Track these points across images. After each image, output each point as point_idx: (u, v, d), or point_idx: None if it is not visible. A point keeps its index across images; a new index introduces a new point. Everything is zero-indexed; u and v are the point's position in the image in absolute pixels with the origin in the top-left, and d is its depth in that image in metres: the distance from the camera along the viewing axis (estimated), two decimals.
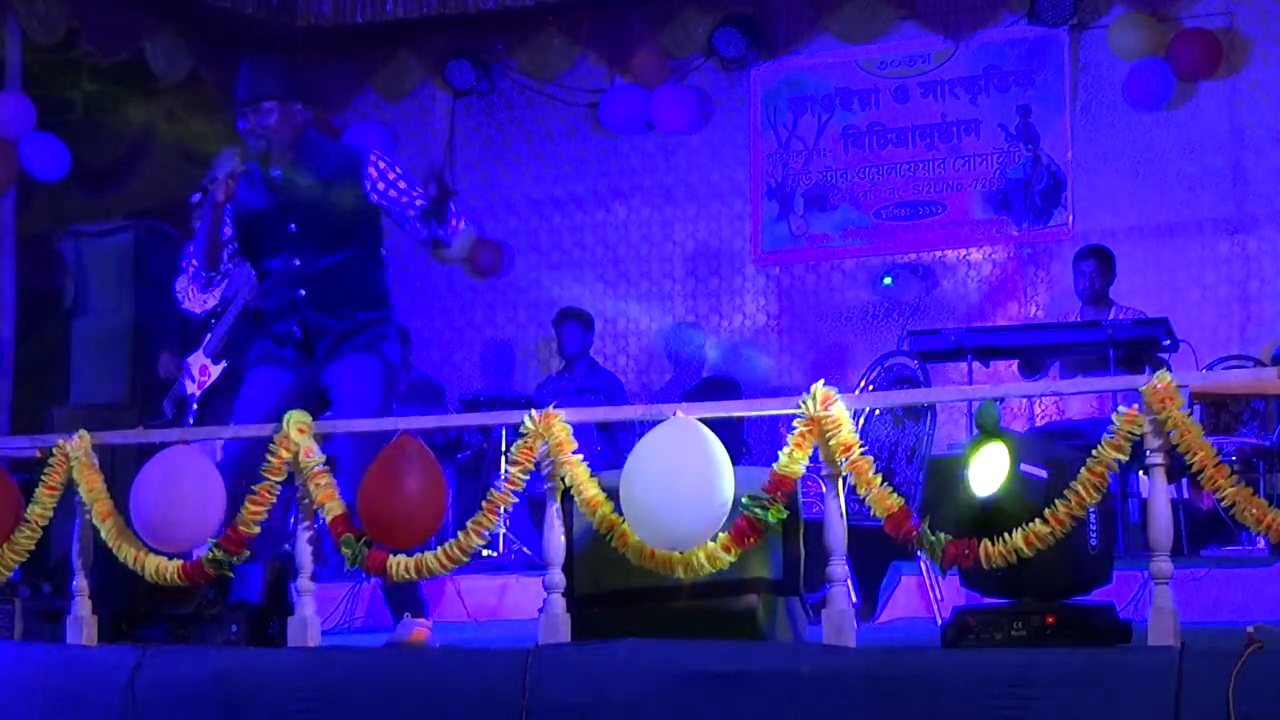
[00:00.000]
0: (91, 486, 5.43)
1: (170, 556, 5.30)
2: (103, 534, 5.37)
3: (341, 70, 11.91)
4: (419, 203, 5.88)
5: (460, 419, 9.24)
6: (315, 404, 5.97)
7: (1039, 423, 9.33)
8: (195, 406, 8.27)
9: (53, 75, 11.43)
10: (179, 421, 8.31)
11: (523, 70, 11.58)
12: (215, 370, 8.26)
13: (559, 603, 4.82)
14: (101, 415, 9.98)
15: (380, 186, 5.92)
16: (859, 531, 4.89)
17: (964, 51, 10.46)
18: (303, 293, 5.87)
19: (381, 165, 5.97)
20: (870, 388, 7.44)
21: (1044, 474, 4.39)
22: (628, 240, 11.32)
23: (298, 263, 5.89)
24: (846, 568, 4.66)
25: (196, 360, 8.29)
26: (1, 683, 5.34)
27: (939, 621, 5.56)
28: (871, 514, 4.61)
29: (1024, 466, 4.41)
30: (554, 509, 4.87)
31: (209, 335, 8.29)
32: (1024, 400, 8.96)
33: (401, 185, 5.96)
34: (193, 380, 8.25)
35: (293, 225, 5.90)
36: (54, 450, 5.52)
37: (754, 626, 4.81)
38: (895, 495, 4.59)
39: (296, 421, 5.20)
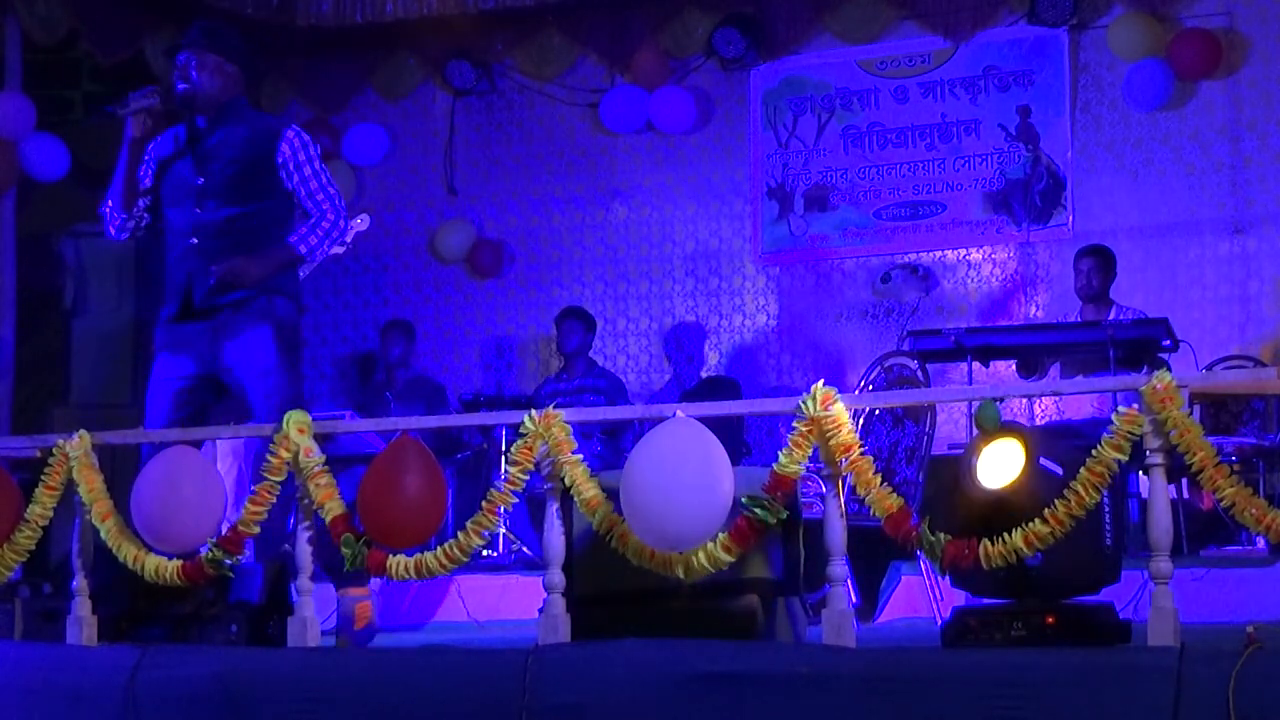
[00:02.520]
0: (91, 486, 5.43)
1: (170, 556, 5.30)
2: (103, 534, 5.37)
3: (341, 70, 11.92)
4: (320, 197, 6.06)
5: (460, 419, 9.24)
6: (213, 392, 6.03)
7: (1038, 423, 9.33)
8: None
9: (53, 75, 11.43)
10: None
11: (523, 70, 11.58)
12: None
13: (559, 603, 4.82)
14: (101, 415, 9.98)
15: (291, 167, 6.04)
16: (859, 531, 4.90)
17: (964, 52, 10.46)
18: (195, 241, 5.99)
19: (297, 143, 6.07)
20: (870, 388, 7.45)
21: (1060, 470, 4.39)
22: (628, 240, 11.32)
23: (199, 211, 5.99)
24: (846, 568, 4.66)
25: None
26: (1, 682, 5.34)
27: (939, 621, 5.56)
28: (871, 514, 4.61)
29: (1043, 460, 4.41)
30: (554, 509, 4.87)
31: None
32: (1023, 400, 8.95)
33: (310, 170, 6.07)
34: None
35: (201, 179, 6.01)
36: (54, 450, 5.52)
37: (754, 627, 4.82)
38: (895, 495, 4.59)
39: (296, 421, 5.20)
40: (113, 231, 6.22)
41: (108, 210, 6.20)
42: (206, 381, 5.98)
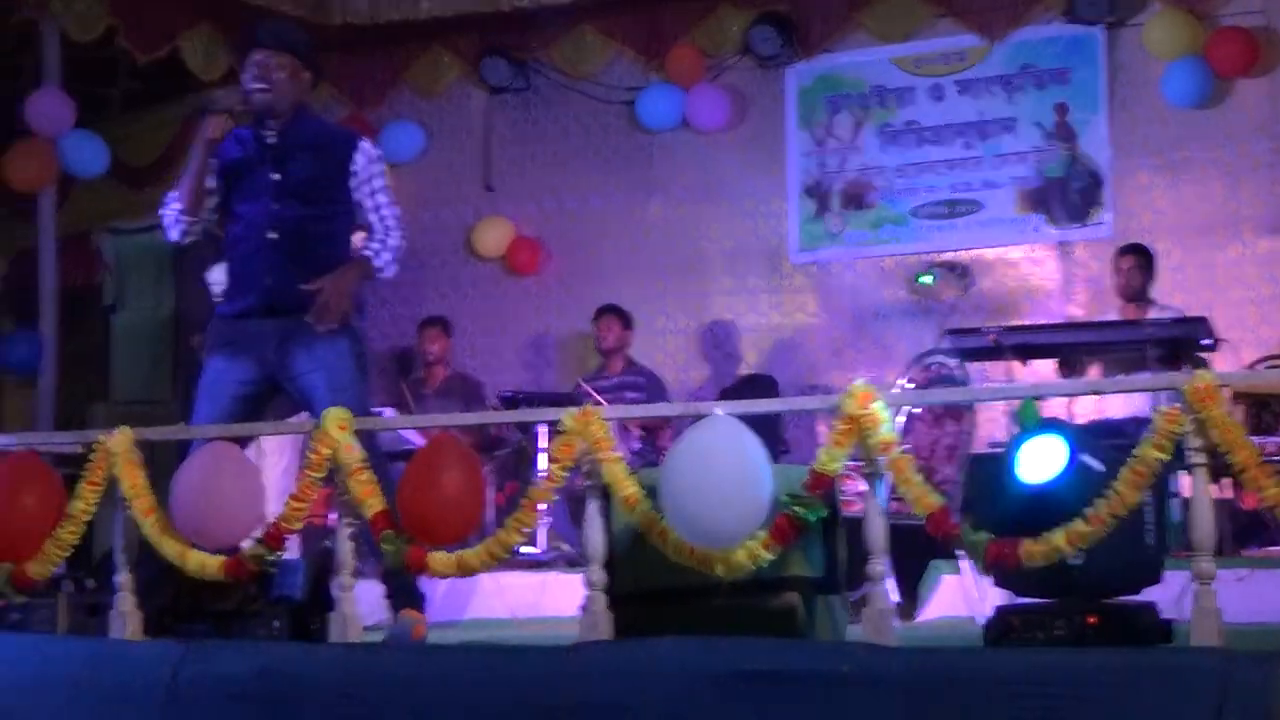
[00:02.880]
0: (133, 482, 5.45)
1: (212, 552, 5.32)
2: (145, 530, 5.39)
3: (377, 67, 11.97)
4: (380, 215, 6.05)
5: (499, 416, 9.26)
6: (270, 396, 6.03)
7: (1077, 423, 9.29)
8: None
9: (91, 73, 11.49)
10: None
11: (559, 67, 11.60)
12: None
13: (599, 600, 4.83)
14: (142, 411, 10.04)
15: (363, 177, 6.03)
16: (899, 529, 4.89)
17: (1000, 49, 10.44)
18: (275, 236, 5.94)
19: (372, 155, 6.09)
20: (909, 386, 7.42)
21: (1103, 466, 4.38)
22: (665, 237, 11.32)
23: (277, 207, 5.95)
24: (887, 566, 4.66)
25: None
26: (46, 677, 5.37)
27: (980, 621, 5.54)
28: (912, 512, 4.61)
29: (1085, 456, 4.40)
30: (594, 506, 4.88)
31: None
32: (1063, 399, 8.91)
33: (379, 184, 6.07)
34: None
35: (278, 175, 5.97)
36: (96, 446, 5.54)
37: (794, 625, 4.81)
38: (935, 494, 4.59)
39: (336, 418, 5.22)
40: (175, 234, 6.11)
41: (172, 212, 6.07)
42: (266, 385, 5.95)
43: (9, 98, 11.30)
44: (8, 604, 5.72)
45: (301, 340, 5.83)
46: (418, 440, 7.79)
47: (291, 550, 7.45)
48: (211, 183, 6.05)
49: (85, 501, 5.53)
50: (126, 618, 5.43)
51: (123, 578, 5.48)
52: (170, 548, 5.33)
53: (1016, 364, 8.28)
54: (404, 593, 5.66)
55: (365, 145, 6.09)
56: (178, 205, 6.02)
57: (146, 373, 10.41)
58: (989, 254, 10.40)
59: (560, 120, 11.71)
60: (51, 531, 5.52)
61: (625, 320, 10.38)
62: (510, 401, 9.88)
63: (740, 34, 11.00)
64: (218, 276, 8.57)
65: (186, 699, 5.01)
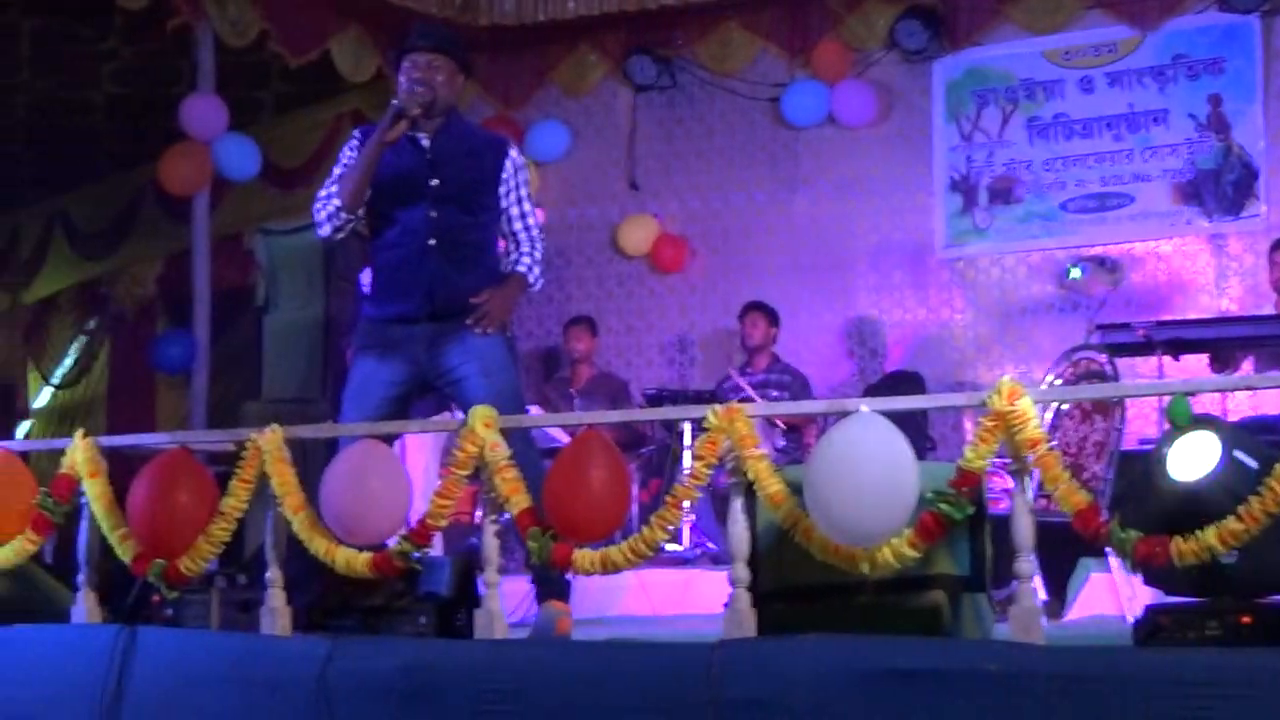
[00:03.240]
0: (284, 480, 5.51)
1: (360, 549, 5.38)
2: (295, 527, 5.46)
3: (524, 68, 12.04)
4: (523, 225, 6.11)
5: (644, 414, 9.29)
6: (419, 395, 6.08)
7: (1230, 419, 9.13)
8: None
9: (244, 77, 11.68)
10: None
11: (704, 65, 11.61)
12: None
13: (744, 598, 4.82)
14: (293, 409, 10.18)
15: (512, 184, 6.09)
16: (1047, 527, 4.83)
17: (1152, 40, 10.29)
18: (434, 243, 5.97)
19: (520, 162, 6.14)
20: (1057, 382, 7.33)
21: (1256, 463, 4.30)
22: (810, 234, 11.29)
23: (436, 215, 5.97)
24: (1034, 564, 4.61)
25: None
26: (199, 672, 5.45)
27: (1129, 620, 5.47)
28: (1059, 510, 4.56)
29: (1238, 453, 4.32)
30: (738, 504, 4.87)
31: None
32: (1216, 395, 8.76)
33: (525, 193, 6.14)
34: None
35: (436, 181, 5.98)
36: (247, 444, 5.61)
37: (939, 623, 4.77)
38: (1084, 491, 4.54)
39: (483, 416, 5.25)
40: (327, 230, 6.12)
41: (330, 207, 6.08)
42: (415, 386, 6.01)
43: (165, 102, 11.52)
44: (161, 600, 5.81)
45: (454, 337, 5.90)
46: (563, 439, 7.82)
47: (437, 547, 7.52)
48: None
49: (237, 499, 5.60)
50: (277, 614, 5.50)
51: (273, 574, 5.55)
52: (319, 544, 5.39)
53: (1168, 359, 8.14)
54: (549, 583, 5.68)
55: (514, 152, 6.13)
56: (337, 201, 6.04)
57: (297, 372, 10.55)
58: (1139, 247, 10.26)
59: (705, 118, 11.71)
60: (204, 528, 5.59)
61: (771, 317, 10.36)
62: (655, 399, 9.90)
63: (886, 28, 10.95)
64: (366, 279, 8.69)
65: (335, 694, 5.06)
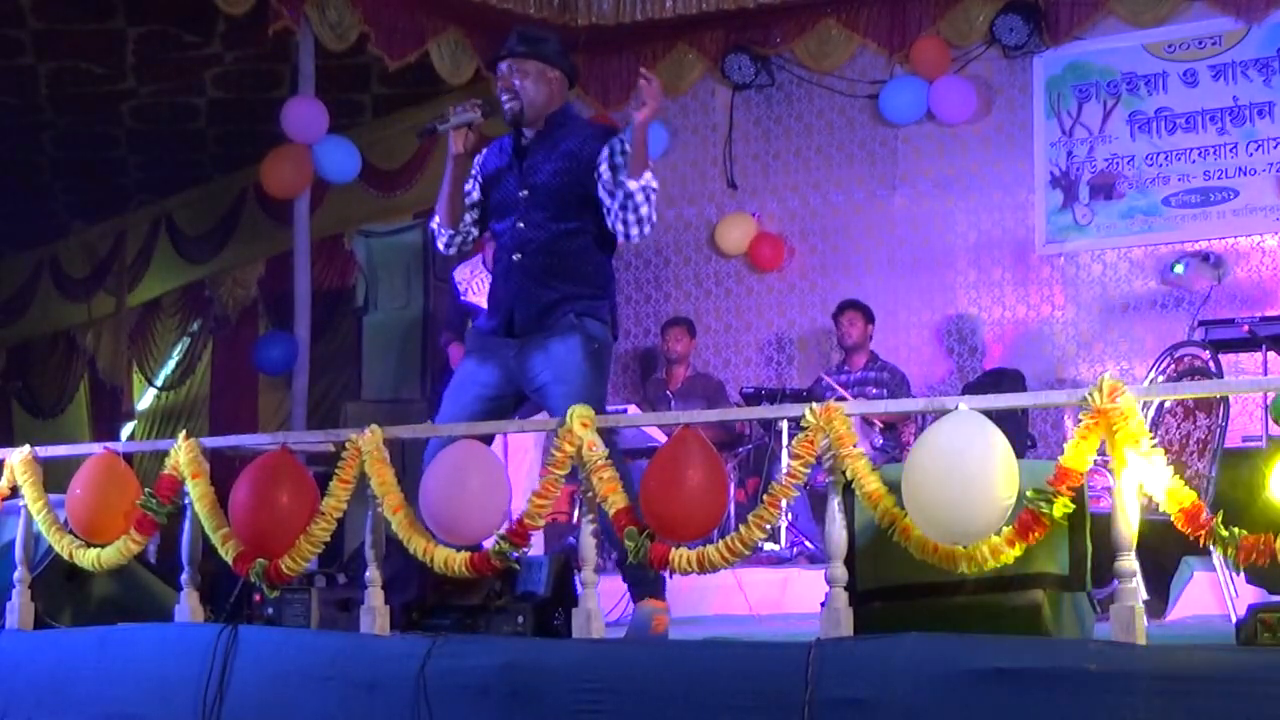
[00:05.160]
0: (383, 479, 5.54)
1: (458, 548, 5.40)
2: (394, 526, 5.48)
3: (622, 67, 12.05)
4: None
5: (741, 413, 9.27)
6: (514, 405, 6.04)
7: None
8: None
9: (343, 79, 11.77)
10: None
11: (802, 63, 11.59)
12: None
13: (841, 597, 4.80)
14: (392, 409, 10.24)
15: (602, 170, 5.86)
16: (1149, 526, 4.77)
17: (1256, 32, 10.17)
18: (518, 257, 5.92)
19: (617, 147, 5.87)
20: (1160, 379, 7.25)
21: None
22: (908, 231, 11.24)
23: (523, 226, 5.92)
24: (1136, 563, 4.56)
25: None
26: (299, 670, 5.49)
27: (1233, 619, 5.40)
28: (1162, 508, 4.51)
29: None
30: (835, 503, 4.85)
31: None
32: None
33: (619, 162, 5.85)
34: None
35: (524, 192, 5.93)
36: (347, 444, 5.64)
37: (1039, 622, 4.73)
38: (1187, 489, 4.48)
39: (580, 415, 5.25)
40: (440, 246, 6.19)
41: (434, 225, 6.16)
42: (508, 393, 5.97)
43: (266, 106, 11.64)
44: (262, 599, 5.86)
45: (538, 347, 5.85)
46: (661, 439, 7.82)
47: (536, 547, 7.55)
48: (474, 195, 6.11)
49: (337, 499, 5.63)
50: (375, 613, 5.52)
51: (372, 574, 5.57)
52: (417, 544, 5.41)
53: (1272, 355, 8.04)
54: (644, 582, 5.68)
55: (615, 141, 5.90)
56: (438, 218, 6.10)
57: (396, 372, 10.61)
58: (1244, 242, 10.13)
59: (803, 116, 11.69)
60: (304, 528, 5.63)
61: (867, 315, 10.32)
62: (753, 398, 9.88)
63: (986, 24, 10.89)
64: (463, 275, 8.75)
65: (433, 693, 5.09)
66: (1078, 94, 10.76)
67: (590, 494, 5.26)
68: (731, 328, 11.69)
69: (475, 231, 6.17)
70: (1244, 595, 5.90)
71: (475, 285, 8.66)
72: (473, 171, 6.13)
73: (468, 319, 8.73)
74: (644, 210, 5.83)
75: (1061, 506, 4.51)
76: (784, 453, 8.82)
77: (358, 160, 11.49)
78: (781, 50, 11.61)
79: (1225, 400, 6.94)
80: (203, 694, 5.56)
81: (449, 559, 5.36)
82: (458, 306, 8.79)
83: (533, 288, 5.88)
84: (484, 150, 6.18)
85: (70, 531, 6.25)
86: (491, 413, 5.95)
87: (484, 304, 8.54)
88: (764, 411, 8.88)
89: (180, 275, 15.12)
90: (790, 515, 8.87)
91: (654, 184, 5.83)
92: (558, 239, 5.90)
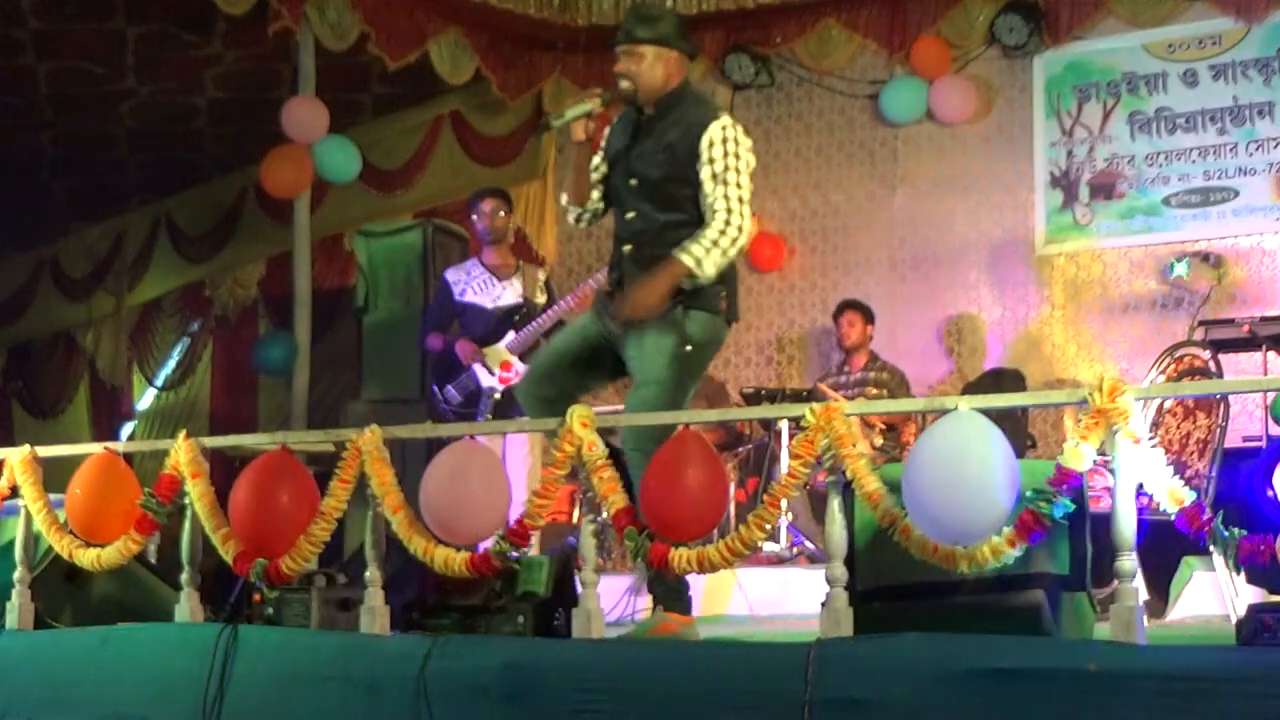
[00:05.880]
0: (383, 479, 5.54)
1: (458, 548, 5.40)
2: (394, 526, 5.48)
3: None
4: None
5: (741, 413, 9.27)
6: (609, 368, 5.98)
7: None
8: (490, 401, 8.40)
9: (344, 80, 11.77)
10: (468, 411, 8.47)
11: (802, 63, 11.59)
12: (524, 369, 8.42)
13: (841, 597, 4.80)
14: (392, 410, 10.23)
15: (705, 159, 5.71)
16: (1149, 526, 4.78)
17: (1257, 32, 10.19)
18: (628, 248, 5.87)
19: (718, 135, 5.72)
20: (1160, 379, 7.25)
21: None
22: (908, 231, 11.24)
23: (632, 217, 5.87)
24: (1135, 563, 4.56)
25: (496, 354, 8.41)
26: (299, 670, 5.49)
27: (1233, 619, 5.40)
28: (1161, 508, 4.51)
29: None
30: (836, 503, 4.85)
31: (513, 332, 8.43)
32: None
33: (722, 167, 5.71)
34: (490, 373, 8.38)
35: (633, 180, 5.86)
36: (347, 444, 5.65)
37: (1038, 622, 4.73)
38: (1186, 489, 4.48)
39: (580, 415, 5.25)
40: (571, 219, 6.17)
41: (564, 203, 6.15)
42: (606, 348, 5.89)
43: (266, 106, 11.63)
44: (262, 599, 5.86)
45: (637, 328, 5.72)
46: None
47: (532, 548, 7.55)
48: (604, 169, 6.04)
49: (337, 499, 5.63)
50: (375, 613, 5.53)
51: (372, 573, 5.57)
52: (417, 544, 5.41)
53: (1272, 355, 8.04)
54: (671, 595, 5.66)
55: (715, 126, 5.72)
56: (565, 195, 6.11)
57: (396, 372, 10.60)
58: (1244, 242, 10.14)
59: (803, 116, 11.69)
60: (304, 528, 5.63)
61: (867, 315, 10.32)
62: (753, 398, 9.88)
63: (986, 24, 10.90)
64: (457, 276, 8.75)
65: (433, 693, 5.08)
66: (1078, 94, 10.77)
67: (590, 494, 5.26)
68: (732, 327, 11.66)
69: (603, 206, 6.10)
70: (1244, 595, 5.90)
71: (475, 286, 8.66)
72: (602, 145, 6.07)
73: (455, 319, 8.73)
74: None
75: (1062, 506, 4.50)
76: (784, 453, 8.81)
77: (358, 160, 11.49)
78: (781, 50, 11.60)
79: (1225, 400, 6.95)
80: (203, 694, 5.56)
81: (449, 559, 5.36)
82: (446, 305, 8.78)
83: (642, 278, 5.72)
84: (612, 123, 6.10)
85: (70, 531, 6.25)
86: (584, 355, 5.91)
87: (482, 303, 8.58)
88: (764, 411, 8.89)
89: (180, 275, 15.10)
90: (790, 515, 8.86)
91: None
92: (665, 230, 5.76)
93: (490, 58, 11.61)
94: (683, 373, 5.71)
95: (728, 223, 5.67)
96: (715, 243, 5.67)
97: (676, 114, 5.84)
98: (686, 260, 5.62)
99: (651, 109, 5.88)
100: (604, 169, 6.04)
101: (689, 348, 5.72)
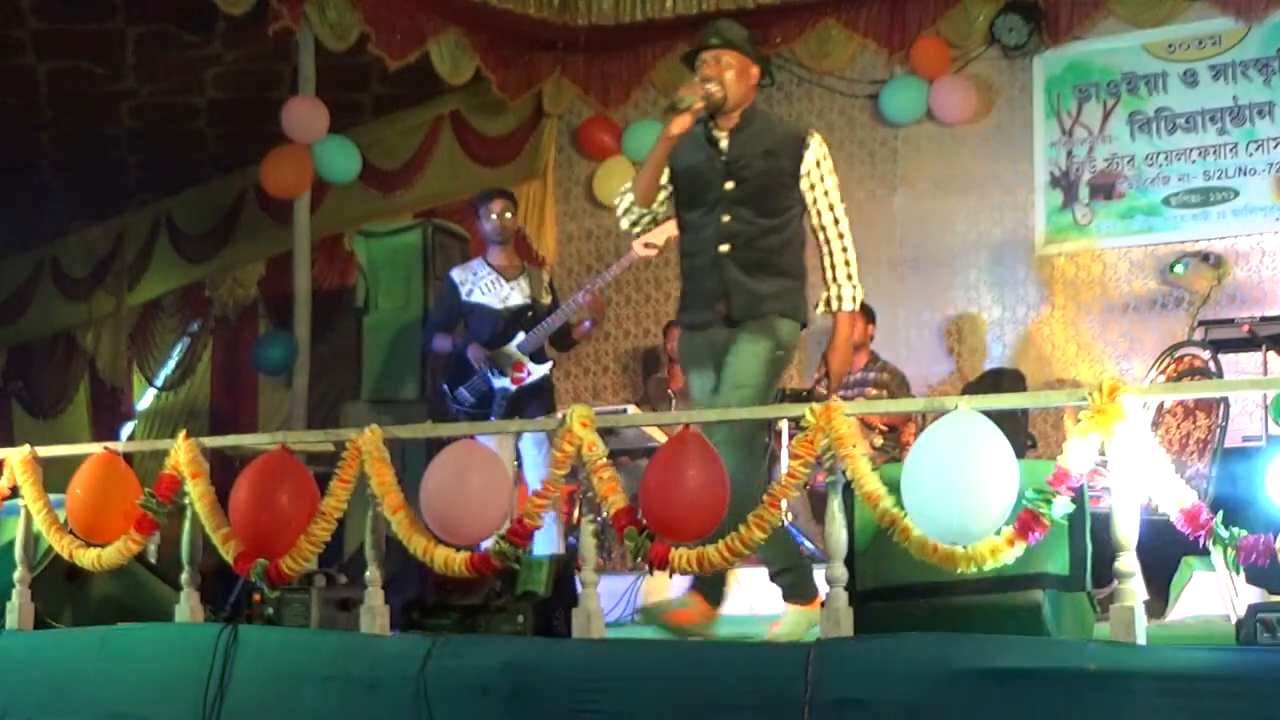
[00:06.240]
0: (382, 480, 5.54)
1: (458, 548, 5.40)
2: (394, 526, 5.49)
3: (622, 67, 12.05)
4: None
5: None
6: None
7: None
8: (503, 402, 8.39)
9: (343, 80, 11.77)
10: (481, 413, 8.46)
11: (802, 62, 11.58)
12: (538, 370, 8.41)
13: (841, 596, 4.80)
14: (392, 410, 10.24)
15: (813, 179, 5.96)
16: (1149, 526, 4.77)
17: (1257, 32, 10.19)
18: (727, 249, 5.94)
19: (820, 153, 5.98)
20: (1160, 379, 7.25)
21: None
22: (908, 231, 11.24)
23: (729, 219, 5.94)
24: (1136, 563, 4.56)
25: (507, 355, 8.40)
26: (299, 670, 5.50)
27: (1233, 619, 5.40)
28: (1161, 508, 4.51)
29: None
30: (835, 503, 4.85)
31: (523, 333, 8.43)
32: None
33: (830, 184, 6.01)
34: (502, 375, 8.37)
35: (730, 184, 5.95)
36: (347, 444, 5.65)
37: (1038, 622, 4.73)
38: (1187, 489, 4.48)
39: (580, 415, 5.25)
40: (624, 223, 6.24)
41: (625, 200, 6.18)
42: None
43: (266, 106, 11.63)
44: (262, 599, 5.86)
45: (735, 340, 5.89)
46: (661, 439, 7.82)
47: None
48: (663, 180, 6.11)
49: (337, 499, 5.64)
50: (375, 613, 5.53)
51: (372, 573, 5.58)
52: (417, 544, 5.42)
53: (1272, 355, 8.03)
54: (709, 582, 5.74)
55: (814, 143, 5.99)
56: (631, 195, 6.13)
57: (396, 372, 10.60)
58: (1244, 242, 10.13)
59: (803, 115, 11.68)
60: (304, 528, 5.64)
61: (867, 315, 10.30)
62: None
63: (986, 24, 10.91)
64: (463, 276, 8.73)
65: (433, 692, 5.09)
66: (1077, 94, 10.77)
67: (590, 494, 5.26)
68: None
69: (660, 213, 6.21)
70: (1244, 595, 5.90)
71: (483, 286, 8.64)
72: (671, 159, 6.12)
73: (462, 319, 8.72)
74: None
75: (1061, 507, 4.50)
76: (784, 453, 8.80)
77: (358, 160, 11.49)
78: (781, 50, 11.59)
79: (1225, 400, 6.95)
80: (203, 694, 5.56)
81: (449, 559, 5.37)
82: (452, 306, 8.76)
83: (745, 279, 5.92)
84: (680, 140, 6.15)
85: (70, 531, 6.25)
86: None
87: (490, 303, 8.56)
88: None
89: (180, 275, 15.10)
90: (790, 515, 8.85)
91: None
92: (765, 234, 5.95)
93: (490, 58, 11.61)
94: (773, 376, 5.93)
95: (845, 249, 6.08)
96: (849, 277, 6.10)
97: (760, 123, 6.06)
98: (849, 307, 6.09)
99: (736, 117, 6.02)
100: (664, 178, 6.11)
101: (780, 352, 5.92)
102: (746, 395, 5.75)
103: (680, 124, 5.88)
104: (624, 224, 6.25)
